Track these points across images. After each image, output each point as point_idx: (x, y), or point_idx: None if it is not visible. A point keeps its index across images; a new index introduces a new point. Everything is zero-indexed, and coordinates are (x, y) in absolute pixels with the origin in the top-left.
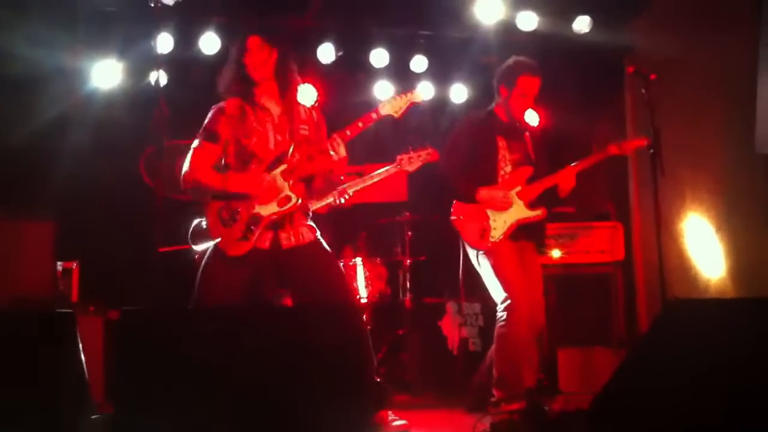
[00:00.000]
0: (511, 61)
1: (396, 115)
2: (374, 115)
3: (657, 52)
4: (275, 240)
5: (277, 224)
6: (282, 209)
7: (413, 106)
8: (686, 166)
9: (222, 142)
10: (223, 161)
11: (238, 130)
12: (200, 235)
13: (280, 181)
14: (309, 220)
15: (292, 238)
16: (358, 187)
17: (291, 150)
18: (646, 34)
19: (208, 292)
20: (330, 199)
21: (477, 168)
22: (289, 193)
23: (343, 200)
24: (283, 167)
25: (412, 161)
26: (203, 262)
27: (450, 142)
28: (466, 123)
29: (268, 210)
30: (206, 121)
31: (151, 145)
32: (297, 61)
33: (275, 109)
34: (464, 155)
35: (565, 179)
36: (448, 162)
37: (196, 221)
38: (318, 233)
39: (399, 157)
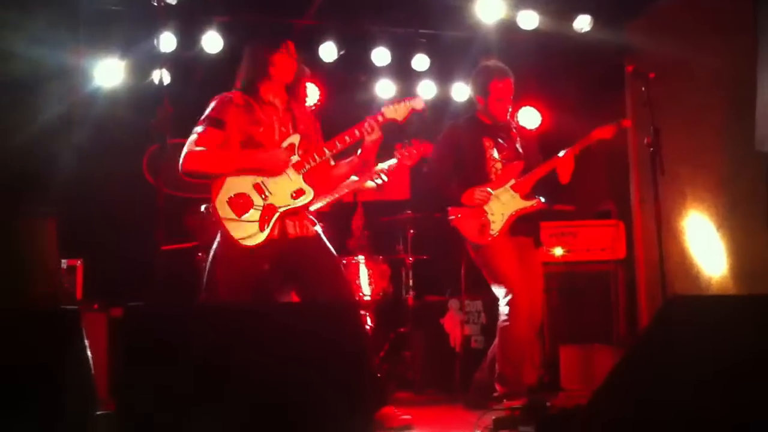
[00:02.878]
0: (477, 69)
1: (399, 121)
2: (380, 118)
3: (657, 51)
4: (282, 229)
5: (305, 205)
6: (297, 202)
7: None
8: (687, 165)
9: (227, 129)
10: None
11: (246, 119)
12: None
13: (291, 174)
14: (310, 214)
15: (298, 229)
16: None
17: (299, 142)
18: (647, 34)
19: (222, 284)
20: (333, 197)
21: (467, 171)
22: (303, 187)
23: (380, 180)
24: (295, 159)
25: (411, 155)
26: (213, 255)
27: (436, 153)
28: (451, 129)
29: (282, 202)
30: (210, 109)
31: (154, 143)
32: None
33: (279, 104)
34: (451, 163)
35: (564, 164)
36: (434, 170)
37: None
38: (319, 227)
39: (397, 151)
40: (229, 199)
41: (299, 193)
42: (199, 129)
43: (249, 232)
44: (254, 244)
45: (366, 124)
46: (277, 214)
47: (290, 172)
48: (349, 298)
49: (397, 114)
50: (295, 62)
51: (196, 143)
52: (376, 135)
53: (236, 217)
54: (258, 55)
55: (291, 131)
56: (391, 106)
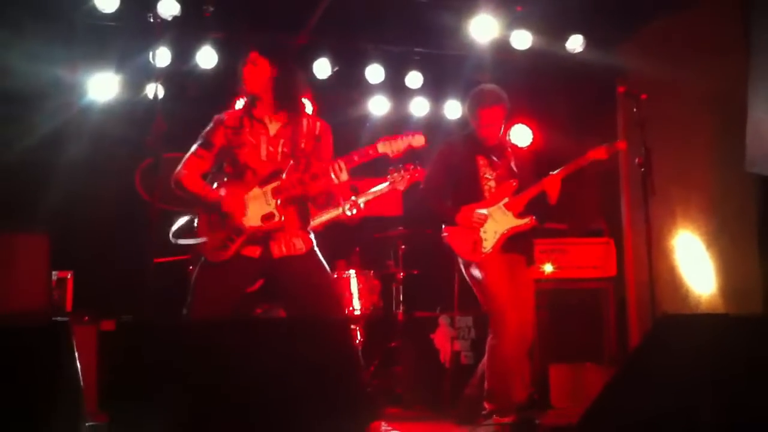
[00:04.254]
0: (471, 93)
1: (391, 156)
2: (371, 152)
3: (649, 72)
4: (266, 250)
5: (267, 235)
6: (263, 225)
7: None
8: (677, 185)
9: (215, 150)
10: (224, 169)
11: (233, 140)
12: (183, 231)
13: (268, 197)
14: (307, 231)
15: (284, 248)
16: (361, 200)
17: (288, 168)
18: (639, 55)
19: (200, 301)
20: (337, 212)
21: (461, 188)
22: (274, 211)
23: (354, 211)
24: (275, 184)
25: (402, 179)
26: (195, 271)
27: (431, 169)
28: (445, 147)
29: (251, 223)
30: (206, 128)
31: (148, 158)
32: (301, 76)
33: (273, 123)
34: (445, 180)
35: (551, 186)
36: (428, 188)
37: (182, 218)
38: (314, 244)
39: (390, 175)
40: (210, 213)
41: (269, 217)
42: (193, 147)
43: (215, 247)
44: (218, 259)
45: (331, 167)
46: (244, 234)
47: (269, 196)
48: (338, 313)
49: (392, 150)
50: (260, 72)
51: (186, 161)
52: (339, 180)
53: (209, 230)
54: (237, 71)
55: (281, 151)
56: (387, 141)
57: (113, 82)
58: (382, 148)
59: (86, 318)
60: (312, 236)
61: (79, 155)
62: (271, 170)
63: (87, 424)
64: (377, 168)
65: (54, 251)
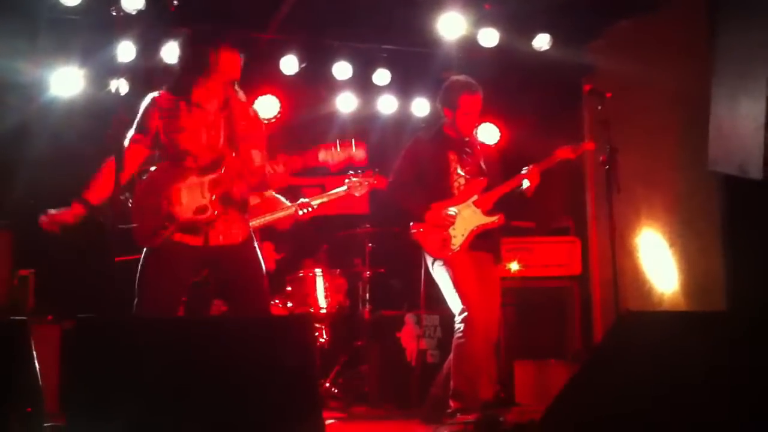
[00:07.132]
0: (449, 82)
1: (331, 166)
2: (310, 160)
3: (616, 72)
4: (206, 238)
5: (207, 224)
6: (195, 217)
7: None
8: (642, 183)
9: (151, 134)
10: (157, 154)
11: (169, 125)
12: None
13: (204, 190)
14: (245, 220)
15: (221, 237)
16: (314, 202)
17: (227, 160)
18: (606, 54)
19: (146, 294)
20: (290, 211)
21: (430, 185)
22: (208, 205)
23: (303, 211)
24: (214, 176)
25: (360, 186)
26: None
27: (399, 165)
28: (415, 144)
29: (183, 214)
30: (140, 112)
31: (110, 154)
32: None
33: (212, 107)
34: (414, 176)
35: (532, 178)
36: (397, 183)
37: None
38: (251, 233)
39: (347, 181)
40: (148, 198)
41: (202, 209)
42: (130, 134)
43: (145, 233)
44: (152, 245)
45: (272, 164)
46: (174, 223)
47: (205, 188)
48: (261, 311)
49: (332, 159)
50: (239, 57)
51: (126, 158)
52: (276, 172)
53: (142, 216)
54: (199, 50)
55: (222, 136)
56: (327, 150)
57: (77, 77)
58: (323, 156)
59: (50, 317)
60: (248, 225)
61: (43, 151)
62: (212, 158)
63: (46, 424)
64: (347, 169)
65: (16, 249)
